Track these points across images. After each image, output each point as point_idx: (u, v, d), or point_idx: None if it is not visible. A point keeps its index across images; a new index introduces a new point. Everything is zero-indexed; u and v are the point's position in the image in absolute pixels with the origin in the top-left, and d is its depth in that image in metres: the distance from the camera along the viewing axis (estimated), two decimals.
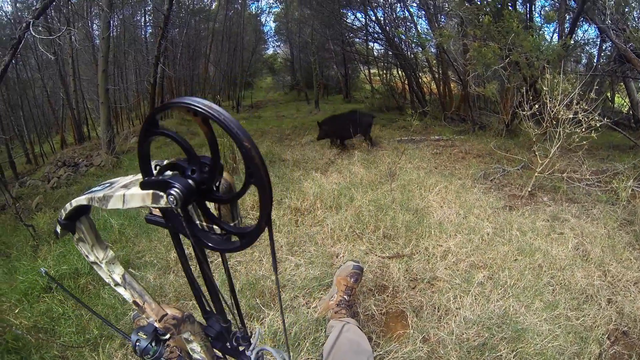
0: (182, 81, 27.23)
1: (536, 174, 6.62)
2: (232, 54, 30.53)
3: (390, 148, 10.03)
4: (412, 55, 16.45)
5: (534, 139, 6.81)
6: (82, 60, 20.85)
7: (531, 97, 7.25)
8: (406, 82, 18.86)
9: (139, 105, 24.09)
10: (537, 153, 6.60)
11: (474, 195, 6.48)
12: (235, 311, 1.35)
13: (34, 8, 8.12)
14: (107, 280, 1.18)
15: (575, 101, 6.19)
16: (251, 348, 1.35)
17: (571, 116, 6.11)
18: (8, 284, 4.59)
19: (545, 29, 14.12)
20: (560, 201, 6.40)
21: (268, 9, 36.24)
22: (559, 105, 6.26)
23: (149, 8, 23.81)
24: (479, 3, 9.83)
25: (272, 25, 39.06)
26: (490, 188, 7.02)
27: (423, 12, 16.05)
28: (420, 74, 17.24)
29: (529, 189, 6.61)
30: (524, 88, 8.20)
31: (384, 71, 22.72)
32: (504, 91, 10.11)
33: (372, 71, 25.55)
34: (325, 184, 7.02)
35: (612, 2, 8.54)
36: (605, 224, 5.51)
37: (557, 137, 6.35)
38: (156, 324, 1.11)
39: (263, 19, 37.33)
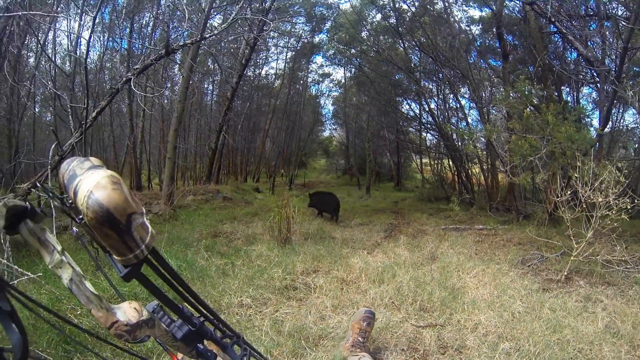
0: (240, 151, 28.35)
1: (572, 258, 6.85)
2: (290, 132, 31.67)
3: (434, 235, 10.40)
4: (462, 147, 16.93)
5: (568, 224, 7.09)
6: (152, 117, 22.14)
7: (564, 185, 7.59)
8: (455, 172, 19.26)
9: (195, 167, 25.05)
10: (572, 237, 6.86)
11: (509, 278, 6.74)
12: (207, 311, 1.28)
13: (135, 67, 9.03)
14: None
15: (607, 186, 6.57)
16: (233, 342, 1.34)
17: (600, 200, 6.47)
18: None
19: (591, 118, 14.57)
20: (596, 284, 6.59)
21: (328, 92, 37.73)
22: (589, 190, 6.61)
23: (217, 78, 25.39)
24: (517, 97, 10.38)
25: (331, 108, 40.32)
26: (527, 273, 7.25)
27: (474, 104, 16.72)
28: (469, 165, 17.67)
29: (565, 273, 6.83)
30: (560, 176, 8.52)
31: (435, 161, 23.15)
32: (548, 180, 10.41)
33: (423, 161, 26.03)
34: (371, 261, 7.50)
35: None
36: None
37: (593, 221, 6.68)
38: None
39: (322, 101, 38.64)
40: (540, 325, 4.93)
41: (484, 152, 16.71)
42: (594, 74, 11.77)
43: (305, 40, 28.80)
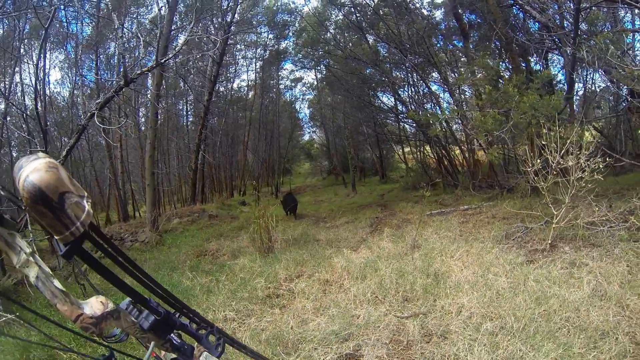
0: (222, 167, 28.15)
1: (554, 225, 6.73)
2: (269, 141, 31.56)
3: (419, 223, 10.25)
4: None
5: (544, 192, 7.02)
6: (129, 145, 22.01)
7: (536, 154, 7.44)
8: (436, 157, 19.19)
9: (181, 189, 24.89)
10: (550, 205, 6.76)
11: (493, 254, 6.63)
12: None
13: (97, 101, 8.93)
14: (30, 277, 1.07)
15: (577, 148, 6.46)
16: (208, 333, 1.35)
17: (571, 163, 6.35)
18: None
19: (563, 83, 14.48)
20: (581, 247, 6.48)
21: (302, 95, 37.69)
22: (558, 155, 6.52)
23: (190, 98, 25.27)
24: (479, 76, 10.26)
25: (307, 111, 40.30)
26: (511, 247, 7.13)
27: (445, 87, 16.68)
28: (448, 148, 17.60)
29: (549, 241, 6.70)
30: (529, 147, 8.39)
31: (417, 149, 23.06)
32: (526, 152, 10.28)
33: (406, 150, 25.96)
34: (354, 259, 7.40)
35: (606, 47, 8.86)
36: (627, 260, 5.57)
37: (570, 185, 6.58)
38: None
39: (298, 106, 38.62)
40: (525, 299, 4.83)
41: (462, 133, 16.61)
42: (556, 40, 11.66)
43: (272, 48, 28.84)
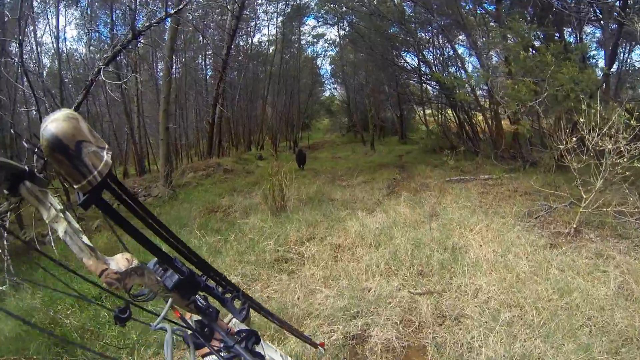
0: (240, 121, 27.93)
1: (581, 210, 6.37)
2: (289, 96, 31.10)
3: (437, 188, 9.97)
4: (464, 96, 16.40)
5: (575, 173, 6.62)
6: (146, 99, 21.85)
7: (569, 131, 7.01)
8: (458, 122, 18.76)
9: (198, 143, 24.70)
10: (580, 187, 6.40)
11: (514, 233, 6.31)
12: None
13: (105, 55, 8.72)
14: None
15: (617, 131, 6.02)
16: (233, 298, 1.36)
17: (610, 146, 5.95)
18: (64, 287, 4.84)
19: (596, 59, 13.82)
20: (608, 237, 6.14)
21: (324, 52, 36.89)
22: (597, 136, 6.11)
23: (210, 52, 24.73)
24: (511, 42, 9.66)
25: (328, 68, 39.57)
26: (533, 226, 6.83)
27: (470, 51, 16.12)
28: (471, 114, 17.13)
29: (574, 225, 6.37)
30: (564, 121, 7.94)
31: (439, 112, 22.59)
32: (554, 125, 9.78)
33: (427, 112, 25.49)
34: (369, 223, 7.12)
35: None
36: None
37: (602, 169, 6.19)
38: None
39: (319, 62, 37.89)
40: (547, 289, 4.55)
41: (487, 100, 16.05)
42: (597, 11, 11.06)
43: (294, 2, 27.99)
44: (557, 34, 12.66)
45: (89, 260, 1.01)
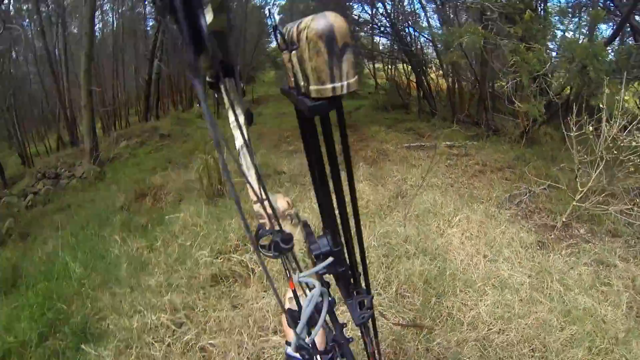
0: (182, 75, 26.37)
1: (574, 203, 5.61)
2: (234, 47, 29.72)
3: (398, 157, 9.10)
4: (421, 51, 15.42)
5: (578, 167, 5.75)
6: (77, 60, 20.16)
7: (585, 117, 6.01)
8: (412, 78, 17.94)
9: (138, 102, 23.09)
10: (578, 180, 5.58)
11: (500, 227, 5.54)
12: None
13: None
14: (236, 143, 1.07)
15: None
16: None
17: (635, 144, 5.10)
18: None
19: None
20: (600, 235, 5.48)
21: (273, 1, 35.55)
22: (618, 129, 5.21)
23: None
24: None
25: (277, 17, 38.41)
26: (516, 215, 6.12)
27: (433, 6, 15.09)
28: (428, 70, 16.24)
29: (564, 219, 5.66)
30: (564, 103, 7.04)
31: (389, 66, 21.83)
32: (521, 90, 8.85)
33: (376, 66, 24.76)
34: None
35: None
36: None
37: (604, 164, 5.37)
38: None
39: (267, 12, 36.74)
40: (554, 313, 3.92)
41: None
42: None
43: None
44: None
45: (252, 180, 1.00)
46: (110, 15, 22.72)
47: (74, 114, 18.02)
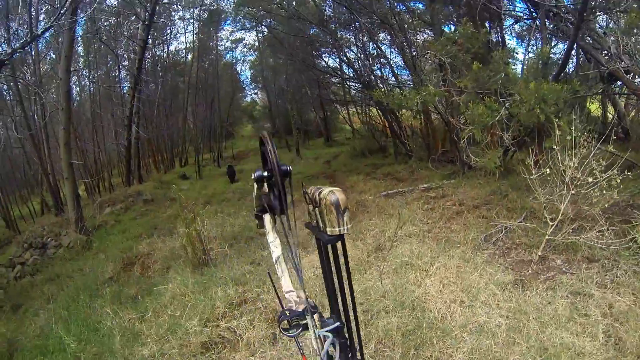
0: (161, 138, 26.38)
1: (547, 237, 5.71)
2: (210, 105, 29.92)
3: (376, 208, 9.15)
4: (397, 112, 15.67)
5: (543, 204, 5.87)
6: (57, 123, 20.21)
7: (536, 153, 6.15)
8: (385, 123, 18.15)
9: (119, 166, 23.12)
10: (547, 217, 5.68)
11: (477, 270, 5.55)
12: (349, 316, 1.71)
13: None
14: (272, 256, 1.72)
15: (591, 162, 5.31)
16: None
17: (590, 180, 5.29)
18: None
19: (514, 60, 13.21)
20: (577, 262, 5.51)
21: (243, 57, 35.95)
22: (573, 168, 5.36)
23: (126, 63, 23.02)
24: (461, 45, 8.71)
25: (248, 73, 38.84)
26: (494, 254, 6.13)
27: (397, 52, 15.38)
28: (400, 113, 16.43)
29: (540, 253, 5.71)
30: (528, 145, 7.18)
31: (363, 109, 22.03)
32: (489, 128, 9.00)
33: (351, 110, 25.00)
34: (306, 269, 6.22)
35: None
36: (634, 289, 4.67)
37: (568, 197, 5.52)
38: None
39: (239, 68, 37.03)
40: (533, 355, 3.87)
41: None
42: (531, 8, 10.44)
43: (210, 7, 26.76)
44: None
45: (285, 280, 1.69)
46: (87, 80, 22.98)
47: (57, 179, 17.96)
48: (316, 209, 1.47)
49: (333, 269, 1.62)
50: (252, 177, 1.57)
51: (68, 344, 5.27)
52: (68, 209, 12.06)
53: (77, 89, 22.54)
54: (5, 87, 17.99)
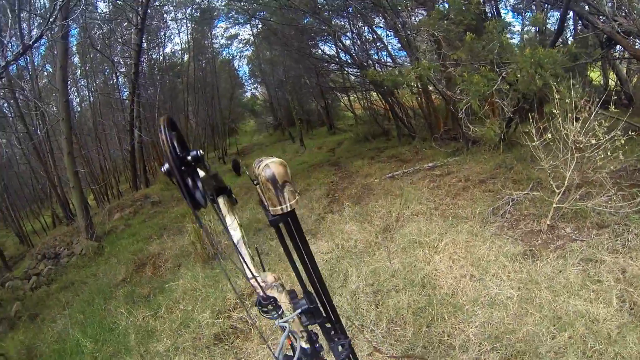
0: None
1: (554, 205, 5.65)
2: (211, 103, 29.88)
3: (382, 190, 9.09)
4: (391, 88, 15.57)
5: (548, 172, 5.82)
6: (60, 134, 20.25)
7: (537, 120, 6.09)
8: (385, 105, 18.04)
9: (125, 171, 23.20)
10: (554, 185, 5.60)
11: (486, 244, 5.49)
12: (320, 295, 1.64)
13: None
14: (231, 240, 1.57)
15: (592, 124, 5.26)
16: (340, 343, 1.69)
17: (593, 142, 5.22)
18: None
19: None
20: (587, 229, 5.43)
21: (239, 53, 35.83)
22: (576, 131, 5.30)
23: (123, 69, 22.86)
24: (453, 18, 8.63)
25: (246, 68, 38.70)
26: (502, 226, 6.06)
27: (392, 33, 15.28)
28: (399, 93, 16.33)
29: (548, 222, 5.65)
30: (526, 111, 7.13)
31: (363, 94, 21.92)
32: (487, 98, 8.89)
33: (352, 97, 24.92)
34: (315, 256, 6.15)
35: None
36: None
37: (573, 163, 5.46)
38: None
39: (236, 64, 36.90)
40: (544, 322, 3.85)
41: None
42: None
43: (202, 4, 26.62)
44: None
45: (250, 264, 1.54)
46: (86, 90, 23.02)
47: (64, 190, 18.00)
48: (257, 185, 1.37)
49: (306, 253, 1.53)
50: (162, 170, 1.25)
51: (85, 346, 5.39)
52: (77, 217, 12.07)
53: (77, 99, 22.64)
54: (5, 104, 18.07)
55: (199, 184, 1.27)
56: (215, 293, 5.81)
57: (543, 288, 4.30)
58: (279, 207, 1.32)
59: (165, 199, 15.89)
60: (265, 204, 1.36)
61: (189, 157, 1.26)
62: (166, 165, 1.18)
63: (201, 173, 1.39)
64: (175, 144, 1.20)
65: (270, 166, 1.28)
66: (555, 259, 4.90)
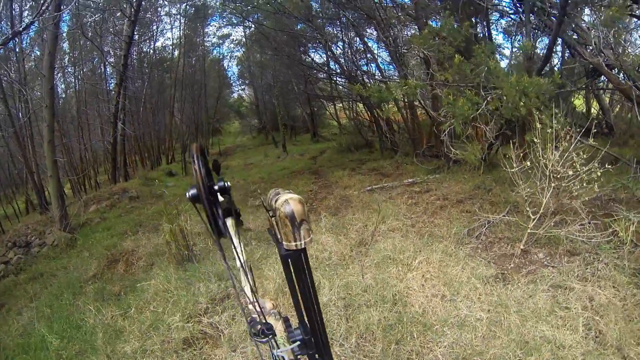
0: (147, 135, 26.12)
1: (529, 230, 5.74)
2: (197, 101, 29.75)
3: (360, 203, 9.14)
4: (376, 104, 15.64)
5: (525, 197, 5.89)
6: (42, 120, 19.98)
7: (518, 146, 6.17)
8: (371, 118, 18.14)
9: (106, 163, 22.81)
10: (529, 211, 5.66)
11: (459, 264, 5.54)
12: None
13: None
14: (237, 263, 1.59)
15: (571, 154, 5.32)
16: None
17: (571, 173, 5.30)
18: None
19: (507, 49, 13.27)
20: (559, 256, 5.53)
21: (230, 53, 35.79)
22: (555, 162, 5.37)
23: (112, 60, 22.66)
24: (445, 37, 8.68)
25: (235, 69, 38.72)
26: (477, 248, 6.14)
27: (383, 46, 15.39)
28: (385, 108, 16.43)
29: (522, 247, 5.73)
30: (510, 139, 7.22)
31: (349, 104, 22.01)
32: (471, 121, 8.97)
33: (338, 106, 24.96)
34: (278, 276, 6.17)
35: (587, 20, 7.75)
36: (614, 282, 4.70)
37: (550, 191, 5.52)
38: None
39: (225, 64, 36.84)
40: (511, 346, 3.89)
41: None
42: (517, 3, 10.49)
43: (197, 2, 26.55)
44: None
45: (248, 288, 1.62)
46: (72, 77, 22.73)
47: (41, 178, 17.75)
48: (273, 218, 1.37)
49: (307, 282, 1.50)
50: (187, 196, 1.30)
51: (50, 342, 5.24)
52: (52, 207, 11.91)
53: (62, 86, 22.26)
54: None
55: (220, 213, 1.35)
56: (186, 296, 5.71)
57: (512, 312, 4.35)
58: (293, 244, 1.31)
59: (143, 194, 15.64)
60: (279, 237, 1.36)
61: (216, 187, 1.40)
62: (192, 191, 1.24)
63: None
64: (204, 173, 1.27)
65: (290, 203, 1.28)
66: (526, 283, 4.97)
